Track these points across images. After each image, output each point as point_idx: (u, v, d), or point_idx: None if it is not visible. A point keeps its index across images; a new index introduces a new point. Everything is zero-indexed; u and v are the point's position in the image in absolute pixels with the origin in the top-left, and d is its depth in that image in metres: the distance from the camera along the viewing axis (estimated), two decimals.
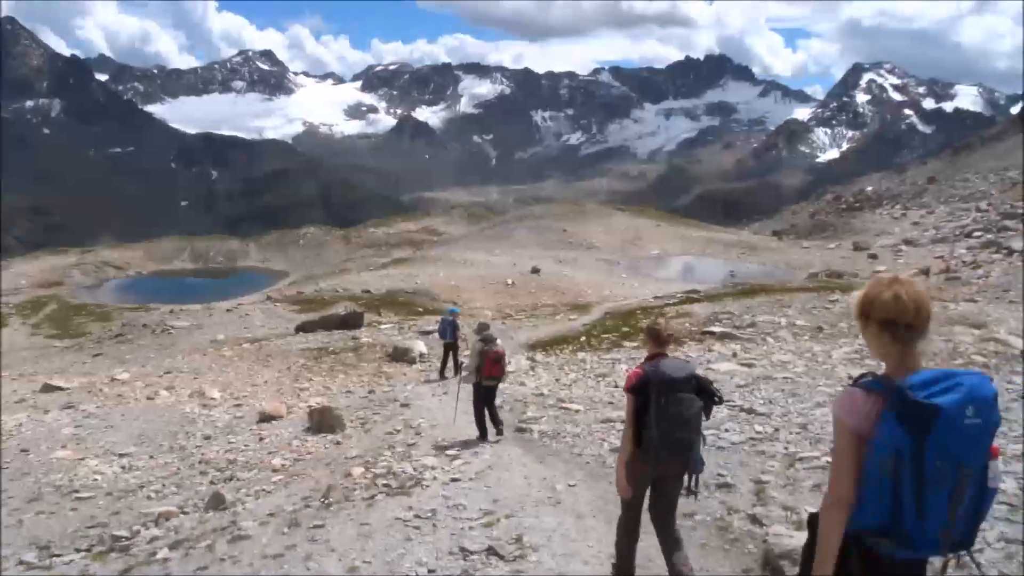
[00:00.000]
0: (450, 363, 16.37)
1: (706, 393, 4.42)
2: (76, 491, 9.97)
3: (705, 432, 8.25)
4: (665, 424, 4.24)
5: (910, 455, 2.31)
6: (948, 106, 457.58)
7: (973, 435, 2.32)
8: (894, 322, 2.45)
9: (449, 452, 9.14)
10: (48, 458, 11.64)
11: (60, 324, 42.28)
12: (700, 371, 4.79)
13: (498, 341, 10.10)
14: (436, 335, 17.99)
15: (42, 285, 62.20)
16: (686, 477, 4.47)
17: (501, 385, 10.45)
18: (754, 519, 6.07)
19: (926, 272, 33.98)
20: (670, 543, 4.59)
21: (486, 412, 9.94)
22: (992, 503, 2.49)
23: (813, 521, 2.70)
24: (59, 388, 18.16)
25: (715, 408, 4.75)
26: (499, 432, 9.83)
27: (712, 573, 5.22)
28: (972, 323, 17.12)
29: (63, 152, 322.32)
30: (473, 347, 10.24)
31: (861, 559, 2.51)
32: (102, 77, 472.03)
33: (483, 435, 9.84)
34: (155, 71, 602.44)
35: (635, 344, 17.24)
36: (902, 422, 2.33)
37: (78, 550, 7.69)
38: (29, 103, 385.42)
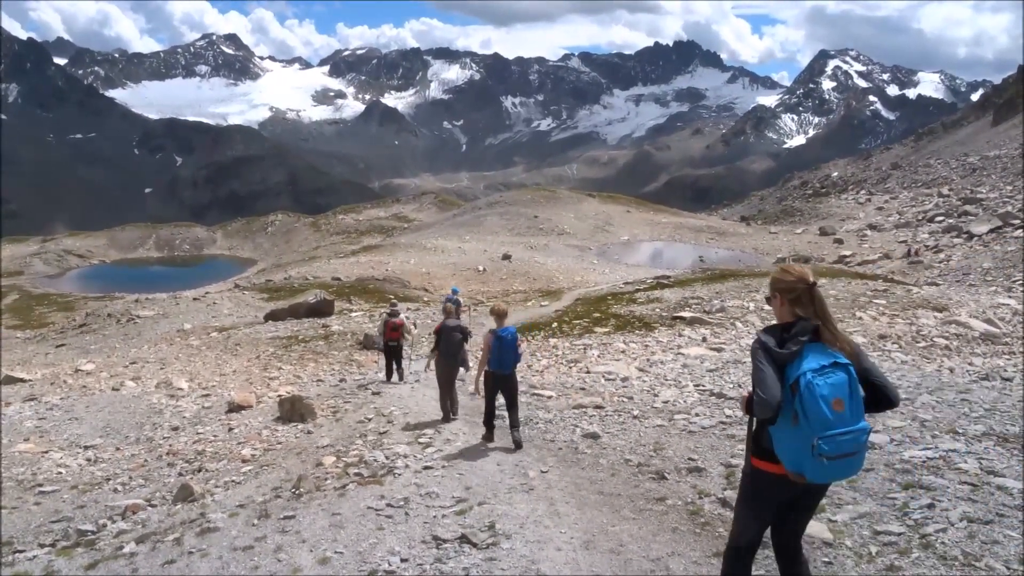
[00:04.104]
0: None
1: (464, 332, 9.75)
2: (40, 485, 9.78)
3: (676, 417, 8.73)
4: (444, 345, 9.66)
5: (498, 348, 8.18)
6: (911, 93, 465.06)
7: (510, 341, 8.18)
8: (496, 314, 8.54)
9: (421, 440, 9.11)
10: (10, 451, 11.40)
11: (21, 314, 41.40)
12: (469, 327, 10.20)
13: (401, 315, 14.45)
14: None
15: (2, 275, 60.75)
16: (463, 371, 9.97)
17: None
18: (724, 502, 6.14)
19: (904, 255, 34.71)
20: (454, 398, 9.98)
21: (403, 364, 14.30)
22: (521, 358, 8.47)
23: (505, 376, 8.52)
24: (21, 380, 17.80)
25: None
26: (400, 378, 13.90)
27: (683, 556, 5.27)
28: (934, 306, 17.49)
29: (21, 138, 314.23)
30: (380, 317, 15.20)
31: (491, 378, 8.35)
32: (60, 61, 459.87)
33: (397, 378, 13.91)
34: (116, 55, 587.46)
35: (606, 330, 17.32)
36: (495, 339, 8.19)
37: (42, 545, 7.53)
38: None
